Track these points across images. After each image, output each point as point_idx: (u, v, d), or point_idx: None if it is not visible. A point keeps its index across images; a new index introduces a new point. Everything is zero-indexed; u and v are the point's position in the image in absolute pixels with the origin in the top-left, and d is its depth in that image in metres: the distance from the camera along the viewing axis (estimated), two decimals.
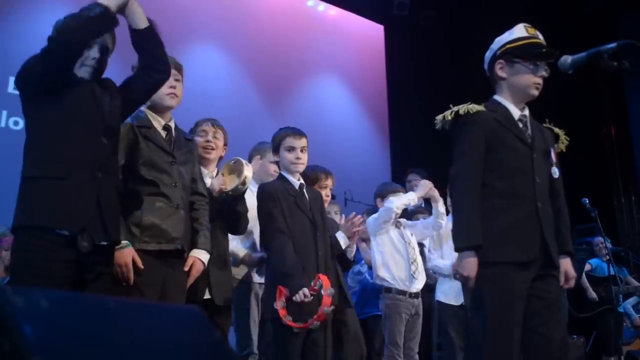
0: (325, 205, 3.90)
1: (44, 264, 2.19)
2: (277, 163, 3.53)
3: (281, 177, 3.44)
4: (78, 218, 2.29)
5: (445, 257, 4.74)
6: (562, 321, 2.61)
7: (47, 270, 2.19)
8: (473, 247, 2.48)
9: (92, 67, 2.50)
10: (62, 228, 2.25)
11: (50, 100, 2.35)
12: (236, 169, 3.25)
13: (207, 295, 3.13)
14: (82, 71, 2.48)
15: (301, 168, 3.45)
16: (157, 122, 2.90)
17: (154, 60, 2.55)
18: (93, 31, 2.33)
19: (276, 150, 3.45)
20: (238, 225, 3.34)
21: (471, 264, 2.47)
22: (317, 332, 3.24)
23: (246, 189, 3.23)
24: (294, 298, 3.07)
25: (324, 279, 3.10)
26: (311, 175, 3.83)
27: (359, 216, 3.84)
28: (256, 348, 3.71)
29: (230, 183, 3.19)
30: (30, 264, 2.20)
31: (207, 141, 3.40)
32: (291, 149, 3.39)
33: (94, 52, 2.49)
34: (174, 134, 2.94)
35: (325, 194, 3.89)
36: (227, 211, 3.25)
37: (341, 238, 3.76)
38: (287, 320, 3.11)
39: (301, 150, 3.41)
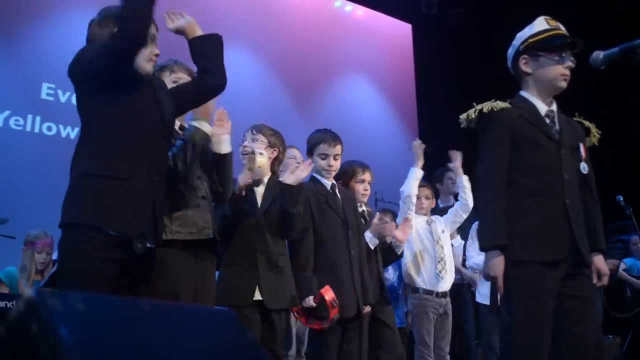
0: (364, 199, 3.93)
1: (95, 262, 2.18)
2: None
3: (312, 179, 3.48)
4: (138, 222, 2.29)
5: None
6: (596, 320, 2.56)
7: (97, 269, 2.18)
8: (498, 246, 2.45)
9: (154, 62, 2.53)
10: (122, 231, 2.24)
11: (112, 97, 2.32)
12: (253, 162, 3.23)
13: (257, 297, 3.09)
14: (149, 66, 2.48)
15: (332, 175, 3.51)
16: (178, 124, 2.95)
17: (214, 66, 2.56)
18: (147, 11, 2.27)
19: (310, 152, 3.48)
20: (290, 227, 3.25)
21: (497, 264, 2.43)
22: (352, 331, 3.27)
23: (261, 177, 3.22)
24: (302, 303, 3.19)
25: (325, 294, 3.14)
26: (347, 169, 3.84)
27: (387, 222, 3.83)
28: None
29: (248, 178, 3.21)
30: (81, 262, 2.19)
31: (244, 147, 3.41)
32: (325, 156, 3.43)
33: (155, 48, 2.49)
34: None
35: (364, 187, 3.90)
36: (279, 213, 3.23)
37: (369, 239, 3.75)
38: (300, 316, 3.22)
39: (334, 158, 3.45)
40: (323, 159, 3.45)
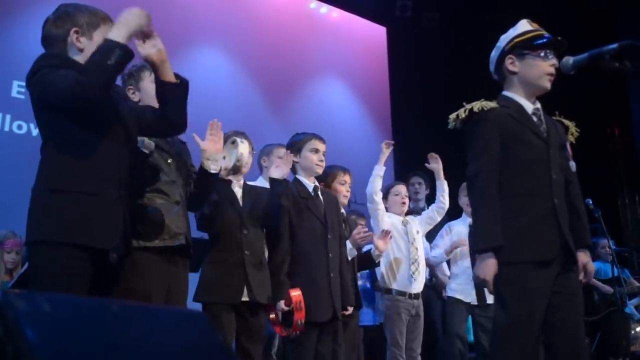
0: (346, 201, 3.98)
1: (70, 263, 2.16)
2: (294, 164, 3.57)
3: (295, 180, 3.50)
4: (112, 236, 2.28)
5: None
6: (582, 315, 2.55)
7: (72, 270, 2.17)
8: (494, 248, 2.44)
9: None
10: (98, 245, 2.22)
11: (74, 114, 2.25)
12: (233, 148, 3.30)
13: (245, 297, 3.17)
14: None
15: (321, 170, 3.58)
16: None
17: (178, 118, 2.52)
18: (113, 77, 2.24)
19: (298, 151, 3.50)
20: (274, 218, 3.34)
21: (489, 266, 2.42)
22: (327, 333, 3.29)
23: (241, 164, 3.28)
24: (276, 307, 3.22)
25: (294, 296, 3.15)
26: (329, 172, 3.90)
27: (368, 231, 3.86)
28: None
29: (229, 163, 3.26)
30: (56, 266, 2.16)
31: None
32: (316, 150, 3.49)
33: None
34: None
35: (346, 189, 3.97)
36: (265, 205, 3.32)
37: (348, 250, 3.77)
38: (275, 325, 3.27)
39: (322, 154, 3.49)
40: (315, 153, 3.52)
